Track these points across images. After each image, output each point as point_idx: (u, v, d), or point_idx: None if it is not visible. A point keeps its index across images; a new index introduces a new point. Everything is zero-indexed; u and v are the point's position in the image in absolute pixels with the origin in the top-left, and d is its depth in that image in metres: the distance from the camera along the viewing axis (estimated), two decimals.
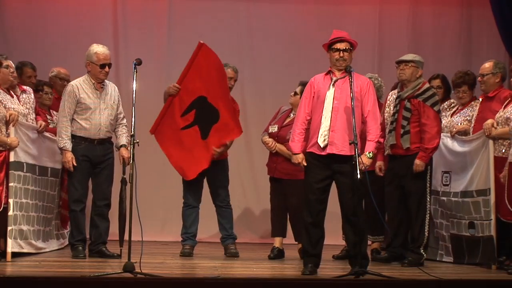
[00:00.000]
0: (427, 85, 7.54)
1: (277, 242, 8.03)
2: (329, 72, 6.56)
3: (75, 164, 7.31)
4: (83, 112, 7.38)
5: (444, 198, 7.79)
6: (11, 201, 6.95)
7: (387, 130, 7.52)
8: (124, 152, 7.35)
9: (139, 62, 6.42)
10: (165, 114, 7.80)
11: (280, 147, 7.92)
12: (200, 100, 7.75)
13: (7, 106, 7.13)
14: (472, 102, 7.93)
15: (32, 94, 7.71)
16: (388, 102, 7.75)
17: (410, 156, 7.37)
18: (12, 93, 7.37)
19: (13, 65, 7.44)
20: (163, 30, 10.34)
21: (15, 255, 6.97)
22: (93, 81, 7.44)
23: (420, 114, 7.37)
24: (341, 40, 6.51)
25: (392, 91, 7.85)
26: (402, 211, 7.51)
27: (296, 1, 10.50)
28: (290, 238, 8.15)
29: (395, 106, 7.54)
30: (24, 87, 7.68)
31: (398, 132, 7.43)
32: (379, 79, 8.19)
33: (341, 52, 6.48)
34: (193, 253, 7.90)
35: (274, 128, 8.04)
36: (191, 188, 7.90)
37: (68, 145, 7.31)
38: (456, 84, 8.00)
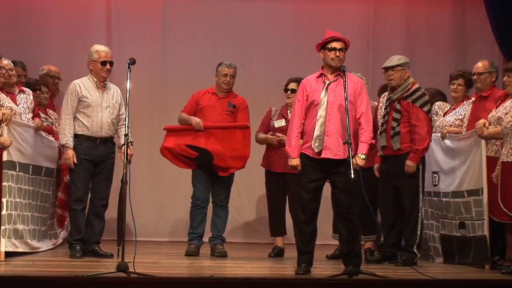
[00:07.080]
0: (416, 86, 7.53)
1: (279, 241, 8.02)
2: (321, 75, 6.51)
3: (75, 161, 7.30)
4: (85, 110, 7.37)
5: (435, 199, 7.80)
6: (4, 200, 6.93)
7: (378, 132, 7.53)
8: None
9: (132, 62, 6.41)
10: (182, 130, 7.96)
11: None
12: (206, 153, 7.82)
13: (5, 105, 7.11)
14: (465, 102, 7.93)
15: (31, 96, 7.69)
16: (381, 104, 7.77)
17: (401, 156, 7.40)
18: (6, 92, 7.35)
19: (10, 64, 7.41)
20: (158, 29, 10.32)
21: (8, 254, 6.95)
22: (96, 80, 7.45)
23: (410, 115, 7.40)
24: (337, 39, 6.48)
25: (384, 93, 7.88)
26: (395, 211, 7.52)
27: (290, 1, 10.50)
28: (287, 238, 8.14)
29: (385, 108, 7.58)
30: (23, 87, 7.67)
31: (389, 134, 7.46)
32: (363, 78, 8.18)
33: (337, 51, 6.43)
34: (199, 253, 7.89)
35: (281, 123, 7.98)
36: (201, 189, 7.92)
37: (70, 142, 7.31)
38: (453, 76, 8.03)
